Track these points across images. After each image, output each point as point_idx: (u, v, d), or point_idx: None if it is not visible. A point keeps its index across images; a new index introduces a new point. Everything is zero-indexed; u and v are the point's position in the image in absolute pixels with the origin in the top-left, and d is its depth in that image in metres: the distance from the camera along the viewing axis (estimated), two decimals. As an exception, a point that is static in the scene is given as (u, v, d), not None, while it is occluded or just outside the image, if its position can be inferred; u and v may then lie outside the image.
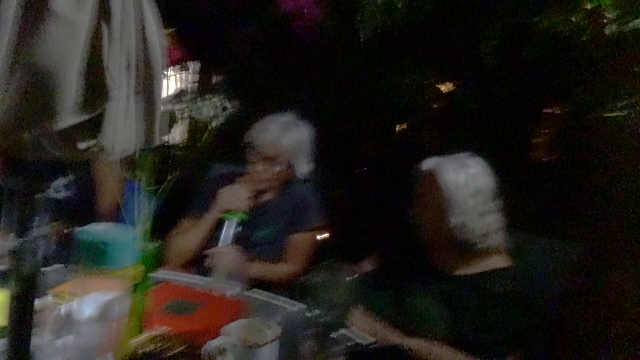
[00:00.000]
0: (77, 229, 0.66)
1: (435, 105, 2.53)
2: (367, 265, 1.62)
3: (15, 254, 0.60)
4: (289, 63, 2.91)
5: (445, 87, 2.54)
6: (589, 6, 1.35)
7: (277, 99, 2.67)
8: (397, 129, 2.49)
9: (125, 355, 0.63)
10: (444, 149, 1.66)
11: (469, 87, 2.32)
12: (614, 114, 1.31)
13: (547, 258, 1.51)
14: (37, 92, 0.47)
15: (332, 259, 1.20)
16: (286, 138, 1.68)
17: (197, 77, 4.46)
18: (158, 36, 0.62)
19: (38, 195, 0.59)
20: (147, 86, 0.61)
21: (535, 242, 1.56)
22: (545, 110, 1.88)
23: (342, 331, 0.90)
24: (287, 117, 1.75)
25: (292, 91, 2.82)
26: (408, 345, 1.09)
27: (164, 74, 0.64)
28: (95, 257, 0.64)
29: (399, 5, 2.38)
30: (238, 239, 1.63)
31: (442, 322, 1.28)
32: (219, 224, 1.65)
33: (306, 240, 1.74)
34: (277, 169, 1.69)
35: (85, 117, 0.51)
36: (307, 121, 1.82)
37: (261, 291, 1.31)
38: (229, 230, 1.60)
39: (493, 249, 1.37)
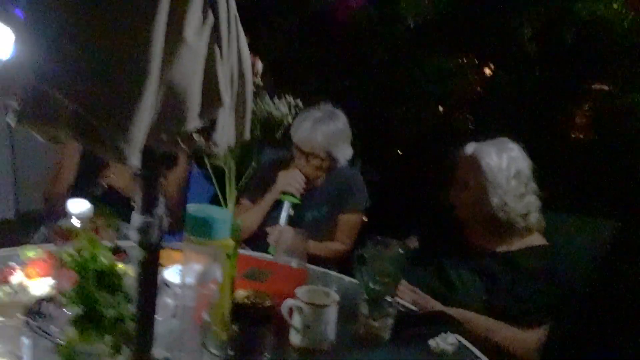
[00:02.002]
0: (190, 206, 0.82)
1: (474, 90, 2.58)
2: (410, 243, 1.75)
3: (142, 229, 0.76)
4: (331, 51, 3.02)
5: (485, 71, 2.58)
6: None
7: (318, 87, 2.80)
8: (438, 113, 2.56)
9: (229, 309, 0.79)
10: (483, 132, 1.75)
11: (507, 71, 2.37)
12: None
13: (581, 236, 1.59)
14: (173, 103, 0.62)
15: (378, 236, 1.33)
16: (320, 132, 1.76)
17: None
18: (246, 49, 0.77)
19: (160, 181, 0.75)
20: (241, 92, 0.75)
21: (570, 221, 1.64)
22: (582, 93, 1.91)
23: (390, 299, 1.04)
24: (322, 110, 1.83)
25: (334, 79, 2.93)
26: (448, 312, 1.22)
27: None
28: (202, 230, 0.80)
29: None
30: (293, 220, 1.79)
31: (480, 294, 1.40)
32: (275, 205, 1.81)
33: (353, 220, 1.88)
34: (317, 161, 1.80)
35: (206, 121, 0.66)
36: (347, 108, 1.93)
37: (315, 266, 1.46)
38: (286, 211, 1.75)
39: (530, 228, 1.47)
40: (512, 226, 1.46)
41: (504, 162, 1.45)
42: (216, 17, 0.66)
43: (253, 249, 1.70)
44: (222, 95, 0.66)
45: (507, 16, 2.26)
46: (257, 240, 1.79)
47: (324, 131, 1.77)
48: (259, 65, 4.63)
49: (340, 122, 1.82)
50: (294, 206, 1.82)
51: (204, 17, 0.65)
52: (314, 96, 2.24)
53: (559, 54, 2.04)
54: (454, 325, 1.09)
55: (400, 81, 2.72)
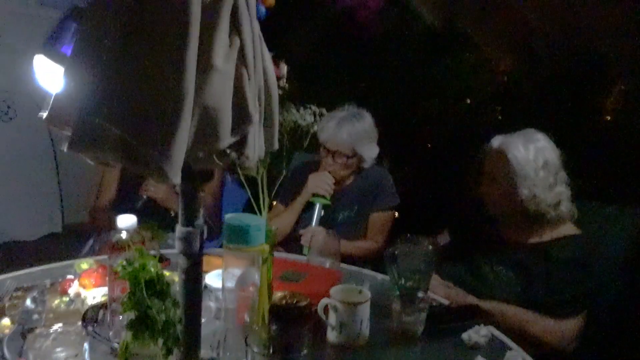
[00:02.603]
0: (227, 216, 0.88)
1: (500, 82, 2.57)
2: (442, 239, 1.77)
3: (185, 239, 0.82)
4: (354, 52, 3.06)
5: (504, 66, 2.56)
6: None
7: (342, 88, 2.84)
8: (464, 107, 2.56)
9: (267, 310, 0.84)
10: (511, 124, 1.75)
11: (527, 65, 2.34)
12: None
13: (617, 225, 1.57)
14: (208, 124, 0.68)
15: (410, 233, 1.36)
16: (345, 131, 1.81)
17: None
18: (271, 65, 0.82)
19: (199, 194, 0.81)
20: (268, 106, 0.80)
21: (606, 210, 1.62)
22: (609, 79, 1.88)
23: (422, 295, 1.07)
24: (347, 110, 1.88)
25: (360, 79, 2.97)
26: (482, 305, 1.24)
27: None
28: (239, 237, 0.85)
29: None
30: (323, 221, 1.84)
31: (514, 287, 1.40)
32: (307, 207, 1.87)
33: (384, 218, 1.91)
34: (343, 160, 1.84)
35: (238, 138, 0.71)
36: (374, 108, 1.96)
37: (348, 265, 1.51)
38: (317, 212, 1.81)
39: (562, 217, 1.46)
40: (543, 217, 1.45)
41: (531, 153, 1.45)
42: (242, 40, 0.72)
43: (287, 251, 1.76)
44: (251, 113, 0.71)
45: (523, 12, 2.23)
46: (291, 242, 1.85)
47: (349, 130, 1.81)
48: (284, 69, 4.69)
49: (365, 122, 1.86)
50: (325, 207, 1.86)
51: (231, 42, 0.71)
52: (341, 97, 2.29)
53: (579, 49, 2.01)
54: (487, 318, 1.11)
55: (425, 78, 2.73)
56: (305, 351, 0.74)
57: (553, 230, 1.48)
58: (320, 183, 1.83)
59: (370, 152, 1.90)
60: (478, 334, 1.01)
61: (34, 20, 3.37)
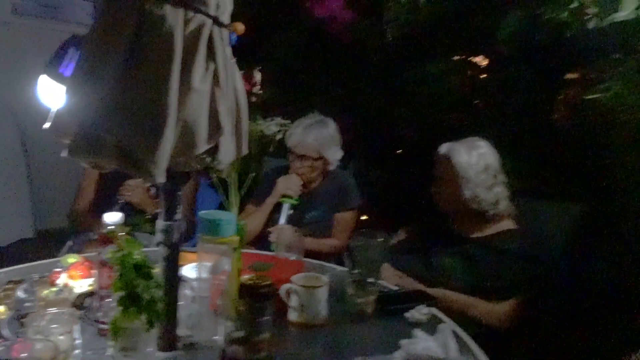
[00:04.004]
0: (201, 212, 1.03)
1: (464, 90, 2.77)
2: (401, 235, 1.95)
3: (165, 231, 0.97)
4: (326, 62, 3.23)
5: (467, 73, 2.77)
6: (575, 4, 1.59)
7: (313, 96, 3.01)
8: (424, 115, 2.75)
9: (236, 289, 0.99)
10: (466, 130, 1.94)
11: (488, 72, 2.56)
12: (600, 95, 1.55)
13: (551, 220, 1.77)
14: (187, 133, 0.83)
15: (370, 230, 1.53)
16: (311, 136, 1.98)
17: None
18: (241, 83, 0.97)
19: (178, 192, 0.96)
20: (238, 118, 0.96)
21: (543, 206, 1.83)
22: (554, 89, 2.09)
23: (373, 280, 1.23)
24: (312, 117, 2.06)
25: (328, 87, 3.14)
26: (428, 291, 1.41)
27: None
28: (212, 230, 1.00)
29: (421, 4, 2.63)
30: (292, 220, 1.99)
31: (459, 275, 1.59)
32: (277, 208, 2.02)
33: (348, 218, 2.08)
34: (310, 162, 2.01)
35: (212, 145, 0.86)
36: (339, 116, 2.13)
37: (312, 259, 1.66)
38: (286, 212, 1.96)
39: (501, 214, 1.66)
40: (485, 214, 1.65)
41: (474, 159, 1.65)
42: (216, 64, 0.87)
43: (258, 249, 1.90)
44: (222, 125, 0.87)
45: (487, 20, 2.44)
46: (262, 240, 2.00)
47: (315, 135, 1.99)
48: (258, 77, 4.90)
49: (329, 128, 2.04)
50: (294, 207, 2.02)
51: (207, 66, 0.86)
52: (316, 102, 2.44)
53: (534, 54, 2.23)
54: (430, 301, 1.28)
55: (396, 85, 2.92)
56: (269, 322, 0.89)
57: (493, 225, 1.67)
58: (289, 185, 1.99)
59: (334, 155, 2.06)
60: (419, 312, 1.18)
61: (8, 28, 3.43)
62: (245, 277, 0.98)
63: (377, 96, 2.89)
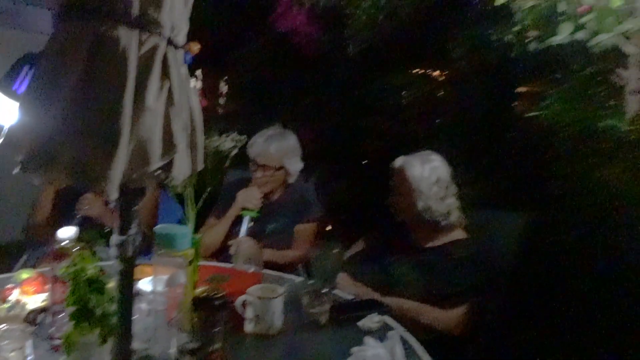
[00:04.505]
0: (156, 227, 1.05)
1: (421, 103, 2.88)
2: (360, 245, 2.00)
3: (120, 246, 0.98)
4: (289, 74, 3.29)
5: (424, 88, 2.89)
6: (518, 27, 1.71)
7: (275, 107, 3.06)
8: (383, 127, 2.84)
9: (190, 300, 1.01)
10: (423, 143, 2.03)
11: (443, 87, 2.68)
12: (541, 112, 1.67)
13: (500, 229, 1.87)
14: (140, 150, 0.85)
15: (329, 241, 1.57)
16: (273, 146, 2.03)
17: (203, 84, 4.94)
18: (197, 103, 1.00)
19: (132, 207, 0.97)
20: (193, 135, 0.99)
21: (493, 217, 1.92)
22: (504, 104, 2.22)
23: (331, 290, 1.28)
24: (274, 129, 2.10)
25: (292, 99, 3.20)
26: (381, 300, 1.47)
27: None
28: (167, 243, 1.02)
29: (380, 20, 2.74)
30: (253, 232, 2.02)
31: (414, 284, 1.65)
32: (237, 220, 2.04)
33: (308, 230, 2.12)
34: (271, 172, 2.05)
35: (165, 162, 0.89)
36: (302, 127, 2.18)
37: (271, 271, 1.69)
38: (246, 225, 1.98)
39: (453, 225, 1.74)
40: (437, 224, 1.73)
41: (427, 172, 1.73)
42: (170, 84, 0.90)
43: (220, 262, 1.91)
44: (176, 143, 0.89)
45: (440, 40, 2.56)
46: (223, 253, 2.01)
47: (276, 145, 2.04)
48: (224, 88, 4.94)
49: (290, 139, 2.09)
50: (255, 220, 2.04)
51: (162, 85, 0.89)
52: (278, 114, 2.48)
53: (485, 71, 2.35)
54: (383, 309, 1.33)
55: (359, 97, 3.00)
56: (222, 333, 0.91)
57: (446, 235, 1.75)
58: (249, 197, 2.02)
59: (295, 166, 2.11)
60: (371, 321, 1.23)
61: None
62: (200, 289, 1.00)
63: (340, 109, 2.96)
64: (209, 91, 4.78)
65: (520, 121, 1.92)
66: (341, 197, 2.62)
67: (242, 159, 1.86)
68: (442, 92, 2.76)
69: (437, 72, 2.85)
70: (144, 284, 1.27)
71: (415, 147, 1.86)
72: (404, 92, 2.86)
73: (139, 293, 1.29)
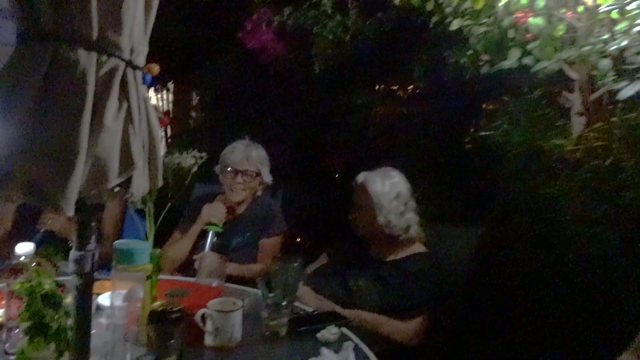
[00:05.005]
0: (115, 242, 1.06)
1: (378, 122, 2.97)
2: (323, 259, 2.05)
3: (77, 261, 0.99)
4: (257, 90, 3.35)
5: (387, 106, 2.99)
6: (471, 51, 1.81)
7: (242, 122, 3.10)
8: (348, 143, 2.91)
9: (147, 314, 1.03)
10: (385, 159, 2.10)
11: (405, 105, 2.78)
12: (491, 132, 1.77)
13: (459, 243, 1.95)
14: (98, 168, 0.87)
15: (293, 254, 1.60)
16: (253, 152, 2.12)
17: (175, 97, 4.94)
18: (155, 121, 1.04)
19: (91, 224, 0.99)
20: (152, 153, 1.02)
21: (451, 230, 2.00)
22: (460, 123, 2.33)
23: (290, 303, 1.31)
24: (246, 141, 2.18)
25: (258, 114, 3.25)
26: (341, 312, 1.51)
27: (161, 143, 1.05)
28: (126, 258, 1.04)
29: (346, 40, 2.83)
30: (218, 246, 2.03)
31: (373, 297, 1.70)
32: (203, 235, 2.05)
33: (273, 243, 2.15)
34: (249, 179, 2.10)
35: (124, 179, 0.91)
36: (269, 143, 2.24)
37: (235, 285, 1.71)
38: (210, 239, 2.00)
39: (412, 239, 1.81)
40: (397, 238, 1.79)
41: (387, 187, 1.79)
42: (129, 104, 0.93)
43: (185, 276, 1.92)
44: (135, 160, 0.92)
45: (404, 60, 2.67)
46: (188, 267, 2.02)
47: (255, 152, 2.13)
48: (193, 102, 4.93)
49: (262, 150, 2.17)
50: (219, 234, 2.06)
51: (120, 105, 0.92)
52: (246, 129, 2.51)
53: (444, 92, 2.46)
54: (342, 321, 1.37)
55: (326, 113, 3.07)
56: (177, 346, 0.94)
57: (405, 249, 1.82)
58: (214, 212, 2.04)
59: (268, 176, 2.17)
60: (329, 332, 1.27)
61: None
62: (156, 304, 1.02)
63: (305, 125, 3.03)
64: (178, 105, 4.79)
65: (476, 139, 2.02)
66: (306, 212, 2.67)
67: (206, 174, 1.89)
68: (404, 110, 2.86)
69: (399, 91, 2.95)
70: (104, 299, 1.28)
71: (378, 163, 1.93)
72: (367, 110, 2.95)
73: (99, 307, 1.30)
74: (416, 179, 1.93)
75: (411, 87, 2.81)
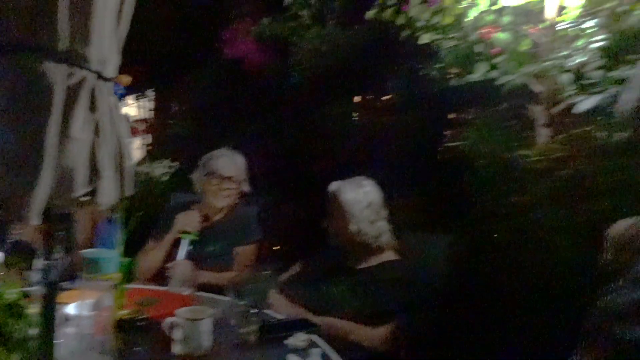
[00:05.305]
0: (83, 251, 1.07)
1: (358, 131, 3.02)
2: (297, 267, 2.06)
3: (44, 270, 1.00)
4: (236, 99, 3.37)
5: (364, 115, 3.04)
6: (440, 64, 1.87)
7: (222, 131, 3.12)
8: (325, 151, 2.95)
9: (115, 322, 1.03)
10: (360, 168, 2.13)
11: (381, 115, 2.83)
12: (460, 143, 1.82)
13: (431, 251, 1.99)
14: (65, 178, 0.89)
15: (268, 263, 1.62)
16: (238, 160, 2.17)
17: (156, 105, 4.93)
18: (125, 131, 1.05)
19: (58, 233, 1.00)
20: (121, 163, 1.03)
21: (424, 238, 2.04)
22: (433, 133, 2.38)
23: (260, 310, 1.33)
24: (226, 149, 2.20)
25: (237, 123, 3.27)
26: (311, 319, 1.53)
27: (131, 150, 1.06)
28: (94, 267, 1.05)
29: (324, 51, 2.88)
30: (193, 255, 2.04)
31: (346, 303, 1.73)
32: (177, 243, 2.05)
33: (248, 252, 2.16)
34: (234, 185, 2.13)
35: (90, 188, 0.92)
36: (249, 151, 2.27)
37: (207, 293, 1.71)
38: (185, 247, 2.00)
39: (383, 247, 1.84)
40: (369, 246, 1.82)
41: (359, 196, 1.83)
42: (97, 114, 0.95)
43: (159, 285, 1.92)
44: (100, 171, 0.94)
45: (380, 71, 2.72)
46: (162, 276, 2.01)
47: (239, 159, 2.18)
48: (175, 108, 4.91)
49: (243, 158, 2.20)
50: (194, 242, 2.06)
51: (88, 116, 0.93)
52: (227, 138, 2.53)
53: (416, 103, 2.52)
54: (311, 328, 1.39)
55: (296, 125, 3.10)
56: (143, 354, 0.95)
57: (377, 256, 1.85)
58: (188, 220, 2.04)
59: (247, 185, 2.18)
60: (299, 339, 1.29)
61: None
62: (123, 312, 1.03)
63: (284, 134, 3.06)
64: (159, 113, 4.78)
65: (448, 149, 2.07)
66: (283, 220, 2.69)
67: (181, 183, 1.90)
68: (380, 120, 2.92)
69: (376, 101, 3.01)
70: (72, 308, 1.28)
71: (354, 172, 1.97)
72: (344, 119, 3.00)
73: (66, 317, 1.30)
74: (390, 187, 1.97)
75: (387, 97, 2.87)
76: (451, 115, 2.21)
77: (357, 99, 3.03)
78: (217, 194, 2.11)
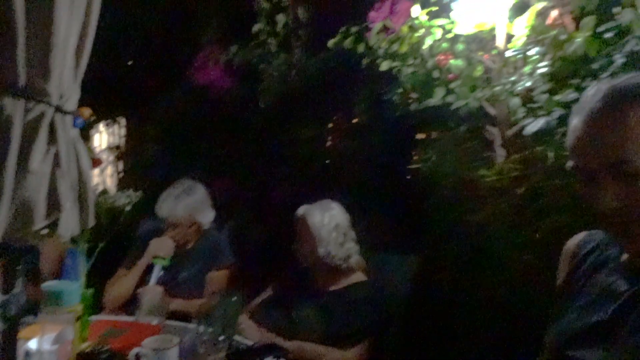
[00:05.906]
0: (44, 284, 1.06)
1: (328, 154, 3.08)
2: (268, 291, 2.07)
3: (3, 305, 0.99)
4: (206, 124, 3.39)
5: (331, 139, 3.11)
6: (400, 90, 1.95)
7: (191, 156, 3.13)
8: (294, 175, 2.99)
9: (76, 355, 1.02)
10: (327, 191, 2.17)
11: (348, 139, 2.90)
12: (421, 165, 1.89)
13: (399, 271, 2.03)
14: (24, 211, 0.89)
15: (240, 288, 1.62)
16: (181, 206, 2.06)
17: (127, 131, 4.90)
18: (86, 162, 1.06)
19: (17, 267, 0.99)
20: (82, 195, 1.04)
21: (391, 259, 2.08)
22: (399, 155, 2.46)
23: (228, 337, 1.33)
24: (181, 185, 2.13)
25: (206, 148, 3.28)
26: (281, 344, 1.54)
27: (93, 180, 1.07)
28: (54, 300, 1.04)
29: (292, 77, 2.94)
30: (166, 281, 2.01)
31: (316, 327, 1.74)
32: (150, 270, 2.03)
33: (220, 277, 2.15)
34: (184, 230, 2.09)
35: (50, 221, 0.93)
36: (213, 176, 2.27)
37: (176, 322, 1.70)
38: (156, 273, 1.98)
39: (352, 268, 1.87)
40: (338, 268, 1.85)
41: (326, 219, 1.86)
42: (57, 147, 0.96)
43: (129, 313, 1.88)
44: (62, 202, 0.95)
45: (346, 97, 2.80)
46: (133, 304, 1.98)
47: (185, 204, 2.08)
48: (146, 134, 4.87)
49: (198, 194, 2.14)
50: (167, 268, 2.04)
51: (47, 149, 0.94)
52: (195, 162, 2.53)
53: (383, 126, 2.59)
54: (280, 353, 1.40)
55: (265, 149, 3.14)
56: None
57: (346, 278, 1.87)
58: (161, 246, 2.03)
59: (206, 217, 2.16)
60: (266, 364, 1.30)
61: None
62: (84, 345, 1.02)
63: (253, 158, 3.09)
64: (130, 140, 4.75)
65: (411, 171, 2.14)
66: (255, 244, 2.69)
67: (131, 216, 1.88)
68: (348, 144, 2.98)
69: (343, 125, 3.08)
70: (33, 343, 1.26)
71: (322, 195, 2.00)
72: (312, 143, 3.05)
73: (28, 353, 1.27)
74: (358, 209, 2.01)
75: (355, 120, 2.94)
76: (414, 138, 2.29)
77: (323, 123, 3.09)
78: (170, 234, 2.07)
